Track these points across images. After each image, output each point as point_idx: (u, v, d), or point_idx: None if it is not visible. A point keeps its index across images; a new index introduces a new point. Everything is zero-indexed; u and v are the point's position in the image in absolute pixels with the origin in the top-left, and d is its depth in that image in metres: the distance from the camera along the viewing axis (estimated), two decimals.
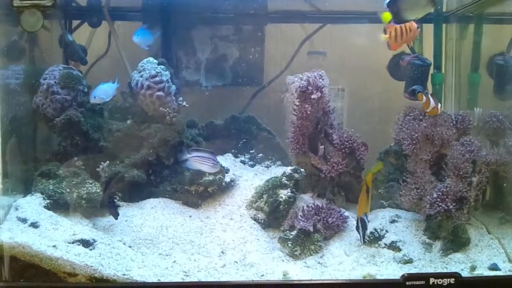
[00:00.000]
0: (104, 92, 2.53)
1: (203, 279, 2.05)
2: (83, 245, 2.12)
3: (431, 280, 1.96)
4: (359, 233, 2.21)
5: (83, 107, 2.66)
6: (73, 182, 2.45)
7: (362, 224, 2.19)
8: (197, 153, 2.42)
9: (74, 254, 2.02)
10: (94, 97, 2.52)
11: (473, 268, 2.13)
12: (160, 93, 2.62)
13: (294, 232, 2.34)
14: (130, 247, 2.26)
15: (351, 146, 2.66)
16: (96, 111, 2.72)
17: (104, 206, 2.46)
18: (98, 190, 2.45)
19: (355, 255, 2.26)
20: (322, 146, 2.70)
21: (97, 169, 2.52)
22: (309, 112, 2.65)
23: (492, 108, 2.74)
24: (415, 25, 2.52)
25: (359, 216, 2.20)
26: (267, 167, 2.94)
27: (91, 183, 2.46)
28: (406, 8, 2.35)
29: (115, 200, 2.49)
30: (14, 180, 2.49)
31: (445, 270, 2.15)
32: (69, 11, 3.02)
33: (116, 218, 2.37)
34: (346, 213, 2.50)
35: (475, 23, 3.08)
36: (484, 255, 2.26)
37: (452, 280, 1.97)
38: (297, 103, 2.68)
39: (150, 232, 2.36)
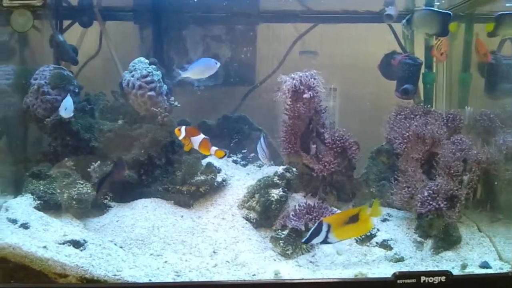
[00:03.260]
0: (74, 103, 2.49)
1: (195, 279, 2.04)
2: (73, 246, 2.11)
3: (422, 278, 1.96)
4: (311, 237, 2.07)
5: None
6: (64, 183, 2.44)
7: (316, 228, 2.06)
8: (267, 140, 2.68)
9: (64, 255, 2.01)
10: (65, 109, 2.45)
11: (464, 266, 2.13)
12: (152, 93, 2.62)
13: (286, 232, 2.33)
14: (121, 247, 2.25)
15: (343, 145, 2.66)
16: (87, 111, 2.71)
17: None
18: (89, 191, 2.44)
19: (347, 254, 2.26)
20: (314, 146, 2.70)
21: (88, 169, 2.51)
22: (301, 112, 2.65)
23: (483, 107, 2.75)
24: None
25: (323, 220, 2.07)
26: (259, 166, 2.93)
27: (82, 184, 2.45)
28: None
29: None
30: (4, 180, 2.49)
31: (436, 268, 2.15)
32: (59, 11, 3.01)
33: None
34: (338, 212, 2.50)
35: (466, 23, 3.09)
36: (475, 253, 2.27)
37: (443, 278, 1.97)
38: (289, 103, 2.68)
39: (142, 232, 2.35)
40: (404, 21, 2.83)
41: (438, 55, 2.89)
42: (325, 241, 2.07)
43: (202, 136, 2.34)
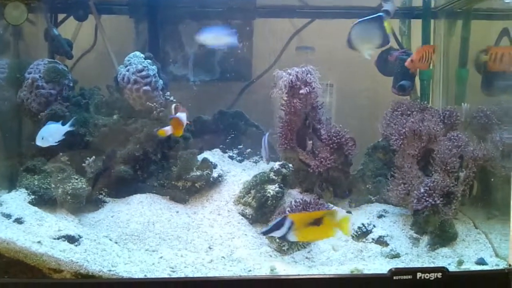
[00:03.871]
0: (51, 134, 2.36)
1: (190, 275, 2.03)
2: (68, 241, 2.10)
3: (418, 275, 1.96)
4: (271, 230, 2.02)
5: (68, 101, 2.64)
6: (59, 178, 2.42)
7: (279, 222, 1.99)
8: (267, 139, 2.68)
9: (59, 250, 1.99)
10: (42, 138, 2.34)
11: (460, 263, 2.13)
12: (147, 87, 2.60)
13: None
14: (116, 243, 2.24)
15: (339, 141, 2.65)
16: (82, 106, 2.69)
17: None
18: (83, 186, 2.43)
19: (343, 250, 2.26)
20: (310, 141, 2.70)
21: (83, 164, 2.49)
22: (297, 107, 2.64)
23: (479, 104, 2.74)
24: None
25: (288, 216, 2.00)
26: (255, 162, 2.93)
27: (76, 179, 2.44)
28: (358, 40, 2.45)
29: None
30: None
31: (432, 265, 2.15)
32: (54, 4, 2.98)
33: None
34: (334, 208, 2.50)
35: (463, 19, 3.09)
36: (471, 249, 2.27)
37: (439, 275, 1.97)
38: (286, 98, 2.67)
39: (137, 227, 2.34)
40: (347, 44, 2.55)
41: (424, 63, 2.79)
42: (284, 237, 2.02)
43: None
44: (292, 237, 2.00)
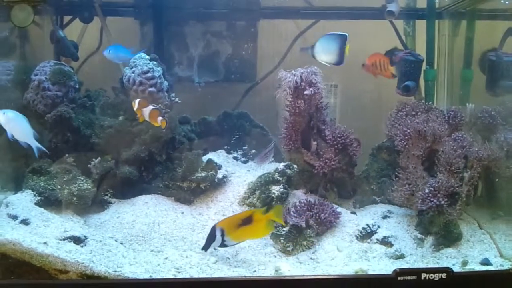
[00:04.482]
0: (23, 130, 2.30)
1: (195, 276, 2.04)
2: (74, 242, 2.11)
3: (423, 275, 1.96)
4: (208, 244, 2.13)
5: (74, 103, 2.65)
6: (64, 179, 2.44)
7: (210, 234, 2.11)
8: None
9: (65, 251, 2.01)
10: (3, 114, 2.25)
11: (464, 263, 2.13)
12: (152, 89, 2.61)
13: (286, 228, 2.33)
14: (121, 243, 2.25)
15: (343, 142, 2.65)
16: (88, 107, 2.70)
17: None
18: (89, 187, 2.44)
19: (347, 251, 2.26)
20: (315, 142, 2.70)
21: (89, 165, 2.51)
22: (302, 108, 2.65)
23: (484, 104, 2.74)
24: None
25: (216, 225, 2.11)
26: None
27: (82, 180, 2.45)
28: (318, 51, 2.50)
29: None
30: (4, 177, 2.49)
31: (436, 265, 2.15)
32: (60, 6, 3.00)
33: None
34: (339, 209, 2.50)
35: (468, 19, 3.09)
36: (476, 250, 2.27)
37: (443, 275, 1.96)
38: (290, 99, 2.67)
39: (142, 228, 2.35)
40: (310, 50, 2.58)
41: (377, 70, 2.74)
42: (223, 245, 2.12)
43: (151, 107, 2.42)
44: (230, 242, 2.12)
